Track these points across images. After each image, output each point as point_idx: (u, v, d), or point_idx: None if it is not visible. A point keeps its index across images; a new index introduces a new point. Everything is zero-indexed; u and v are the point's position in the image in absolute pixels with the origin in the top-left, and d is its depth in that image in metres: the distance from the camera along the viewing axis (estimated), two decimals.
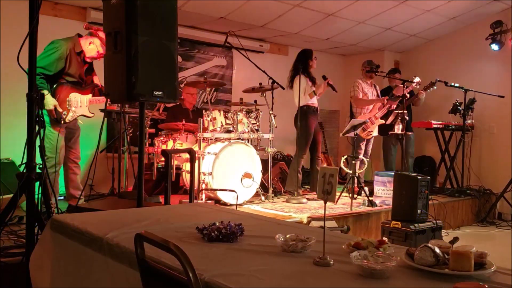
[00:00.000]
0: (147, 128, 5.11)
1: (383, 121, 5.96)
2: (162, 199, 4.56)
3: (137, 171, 3.12)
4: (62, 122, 4.05)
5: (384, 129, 6.19)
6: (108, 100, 3.22)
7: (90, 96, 4.19)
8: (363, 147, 5.92)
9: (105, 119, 4.61)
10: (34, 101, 2.74)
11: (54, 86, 4.04)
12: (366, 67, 6.08)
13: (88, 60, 4.22)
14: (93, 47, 4.16)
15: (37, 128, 2.80)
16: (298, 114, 5.29)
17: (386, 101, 5.81)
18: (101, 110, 4.21)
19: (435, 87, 6.07)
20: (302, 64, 5.38)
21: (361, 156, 5.53)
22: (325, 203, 1.59)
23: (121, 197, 4.83)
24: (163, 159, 4.82)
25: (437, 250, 1.47)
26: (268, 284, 1.34)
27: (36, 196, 2.79)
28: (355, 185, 5.21)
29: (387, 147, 6.58)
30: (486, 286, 1.22)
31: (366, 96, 6.01)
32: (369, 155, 6.13)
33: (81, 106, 4.15)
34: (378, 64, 6.08)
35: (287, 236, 1.75)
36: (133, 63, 2.86)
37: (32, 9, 2.72)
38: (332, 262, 1.52)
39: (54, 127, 4.05)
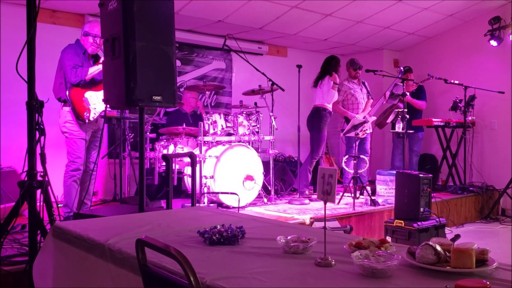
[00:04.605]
0: (148, 133, 5.11)
1: (374, 118, 5.98)
2: (164, 204, 4.56)
3: (139, 176, 3.12)
4: (87, 121, 4.05)
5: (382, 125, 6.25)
6: (108, 106, 3.22)
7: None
8: (357, 146, 5.92)
9: (106, 125, 4.64)
10: (34, 109, 2.74)
11: (67, 92, 4.04)
12: (350, 67, 6.10)
13: (90, 52, 4.20)
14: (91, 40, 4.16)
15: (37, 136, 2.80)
16: (318, 114, 5.52)
17: (356, 117, 5.88)
18: (101, 116, 4.22)
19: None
20: (330, 68, 5.58)
21: (362, 156, 5.53)
22: (325, 203, 1.59)
23: (123, 202, 4.84)
24: (164, 163, 4.82)
25: (438, 248, 1.47)
26: (269, 286, 1.34)
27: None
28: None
29: (395, 145, 6.61)
30: (488, 283, 1.21)
31: (354, 97, 6.05)
32: (369, 153, 6.13)
33: (100, 102, 4.11)
34: (360, 64, 6.09)
35: (289, 237, 1.75)
36: (131, 68, 2.87)
37: (30, 17, 2.73)
38: (333, 262, 1.52)
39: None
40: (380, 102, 6.04)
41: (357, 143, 5.67)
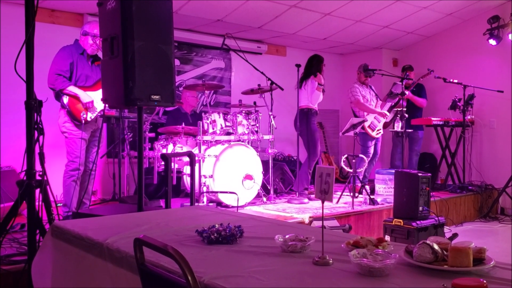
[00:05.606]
0: (147, 133, 5.11)
1: (385, 119, 5.99)
2: (163, 203, 4.56)
3: (137, 175, 3.12)
4: (83, 122, 4.04)
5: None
6: (107, 105, 3.22)
7: (100, 90, 4.15)
8: (373, 146, 5.95)
9: (105, 124, 4.64)
10: (32, 108, 2.75)
11: (64, 97, 4.05)
12: (362, 72, 6.06)
13: (89, 52, 4.20)
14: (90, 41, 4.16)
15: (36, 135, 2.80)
16: (304, 116, 5.39)
17: (386, 115, 5.85)
18: (100, 116, 4.22)
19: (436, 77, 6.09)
20: (313, 68, 5.46)
21: (361, 155, 5.53)
22: (322, 202, 1.59)
23: (122, 202, 4.84)
24: (163, 163, 4.82)
25: (436, 246, 1.47)
26: (267, 285, 1.34)
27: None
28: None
29: (394, 144, 6.62)
30: (485, 281, 1.22)
31: (366, 99, 6.03)
32: (378, 153, 6.15)
33: (98, 101, 4.09)
34: (374, 69, 6.02)
35: (287, 236, 1.75)
36: (130, 68, 2.87)
37: (28, 17, 2.73)
38: (331, 261, 1.52)
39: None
40: (389, 104, 6.03)
41: (373, 143, 5.67)
